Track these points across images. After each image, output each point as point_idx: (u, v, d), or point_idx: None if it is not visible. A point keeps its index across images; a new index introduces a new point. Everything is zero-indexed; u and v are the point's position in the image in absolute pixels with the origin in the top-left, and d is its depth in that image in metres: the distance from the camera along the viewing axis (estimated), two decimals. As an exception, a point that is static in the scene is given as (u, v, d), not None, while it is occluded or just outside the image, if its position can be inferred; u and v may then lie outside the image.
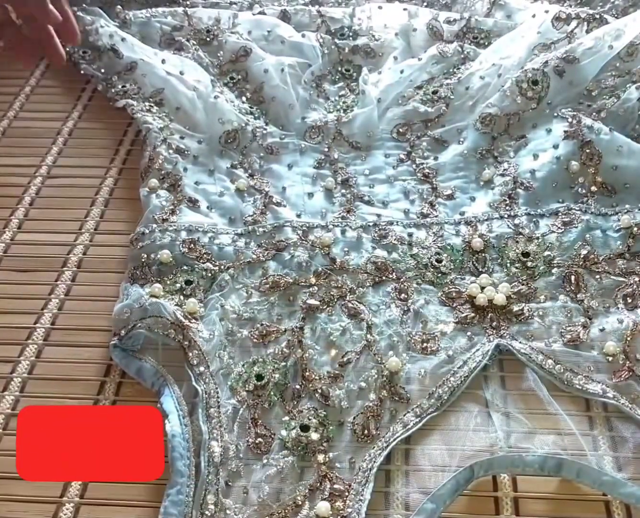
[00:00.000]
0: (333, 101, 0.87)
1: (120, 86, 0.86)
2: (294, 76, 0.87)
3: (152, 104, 0.84)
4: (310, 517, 0.51)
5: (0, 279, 0.70)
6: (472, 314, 0.63)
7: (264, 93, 0.86)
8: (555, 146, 0.76)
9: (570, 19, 0.87)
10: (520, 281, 0.66)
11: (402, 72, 0.87)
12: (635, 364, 0.59)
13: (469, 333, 0.62)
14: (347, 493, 0.52)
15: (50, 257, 0.71)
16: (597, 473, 0.52)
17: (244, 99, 0.86)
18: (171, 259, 0.67)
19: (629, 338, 0.61)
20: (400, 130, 0.82)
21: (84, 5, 0.96)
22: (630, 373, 0.58)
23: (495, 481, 0.54)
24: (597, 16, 0.87)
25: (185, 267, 0.67)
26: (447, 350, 0.61)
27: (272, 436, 0.56)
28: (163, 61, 0.87)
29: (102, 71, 0.89)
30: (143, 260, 0.67)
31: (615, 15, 0.90)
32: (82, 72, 0.90)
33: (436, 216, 0.72)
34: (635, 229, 0.68)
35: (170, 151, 0.78)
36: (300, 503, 0.52)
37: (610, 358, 0.60)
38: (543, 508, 0.52)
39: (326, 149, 0.81)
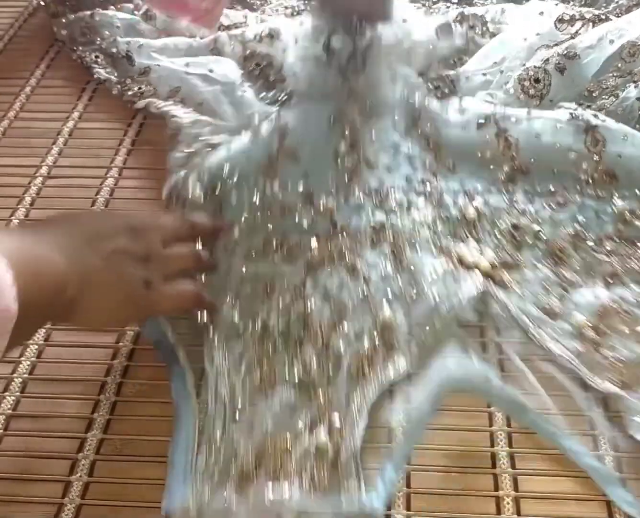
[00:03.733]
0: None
1: (136, 88, 0.87)
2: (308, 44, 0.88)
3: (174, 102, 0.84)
4: (310, 448, 0.55)
5: (1, 280, 0.70)
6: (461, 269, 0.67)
7: (287, 73, 0.87)
8: (559, 128, 0.75)
9: (574, 20, 0.86)
10: (507, 251, 0.68)
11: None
12: (603, 338, 0.61)
13: (456, 280, 0.65)
14: (343, 428, 0.56)
15: (51, 257, 0.71)
16: (549, 429, 0.56)
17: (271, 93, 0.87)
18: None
19: (600, 313, 0.62)
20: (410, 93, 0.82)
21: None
22: (595, 345, 0.60)
23: (496, 481, 0.54)
24: (603, 17, 0.86)
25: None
26: (435, 296, 0.64)
27: (276, 376, 0.59)
28: (187, 64, 0.87)
29: (115, 74, 0.90)
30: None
31: (619, 16, 0.89)
32: (95, 76, 0.91)
33: (436, 186, 0.74)
34: (627, 215, 0.69)
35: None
36: (300, 436, 0.55)
37: (580, 331, 0.61)
38: (544, 508, 0.52)
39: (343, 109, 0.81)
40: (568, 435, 0.56)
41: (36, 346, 0.64)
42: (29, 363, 0.63)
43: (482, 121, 0.78)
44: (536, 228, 0.69)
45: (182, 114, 0.81)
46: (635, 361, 0.59)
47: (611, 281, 0.65)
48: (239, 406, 0.58)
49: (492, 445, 0.56)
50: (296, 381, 0.59)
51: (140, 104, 0.85)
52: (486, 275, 0.66)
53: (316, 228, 0.71)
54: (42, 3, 1.03)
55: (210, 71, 0.86)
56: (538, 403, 0.57)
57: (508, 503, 0.52)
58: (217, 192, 0.72)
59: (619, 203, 0.70)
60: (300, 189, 0.74)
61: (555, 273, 0.66)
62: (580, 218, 0.70)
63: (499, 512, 0.52)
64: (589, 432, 0.56)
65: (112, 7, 0.98)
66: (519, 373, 0.59)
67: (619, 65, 0.82)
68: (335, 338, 0.62)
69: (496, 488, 0.53)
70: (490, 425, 0.57)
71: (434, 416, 0.57)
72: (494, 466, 0.55)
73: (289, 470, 0.54)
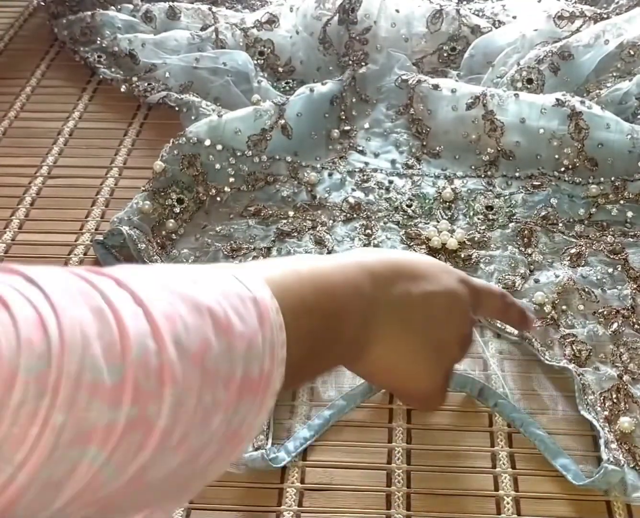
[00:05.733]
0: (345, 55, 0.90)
1: (146, 84, 0.88)
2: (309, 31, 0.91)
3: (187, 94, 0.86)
4: None
5: (1, 280, 0.70)
6: (425, 254, 0.68)
7: (293, 63, 0.90)
8: (544, 113, 0.76)
9: (574, 17, 0.87)
10: (478, 230, 0.70)
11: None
12: (560, 315, 0.62)
13: None
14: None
15: (51, 257, 0.71)
16: (496, 395, 0.57)
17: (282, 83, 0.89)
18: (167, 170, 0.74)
19: (559, 291, 0.64)
20: (404, 78, 0.85)
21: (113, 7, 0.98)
22: (552, 322, 0.62)
23: (496, 481, 0.54)
24: (605, 16, 0.87)
25: (182, 182, 0.74)
26: None
27: None
28: (197, 59, 0.88)
29: (121, 73, 0.90)
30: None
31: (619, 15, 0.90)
32: (101, 76, 0.91)
33: (419, 169, 0.77)
34: (599, 199, 0.71)
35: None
36: None
37: (538, 307, 0.63)
38: (544, 509, 0.52)
39: (342, 93, 0.84)
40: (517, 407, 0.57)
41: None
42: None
43: (471, 100, 0.79)
44: (509, 209, 0.72)
45: (204, 105, 0.83)
46: (590, 338, 0.61)
47: (576, 262, 0.66)
48: None
49: (492, 446, 0.56)
50: None
51: (154, 98, 0.86)
52: (453, 253, 0.68)
53: (296, 199, 0.74)
54: (42, 3, 1.03)
55: (224, 64, 0.87)
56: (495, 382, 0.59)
57: (508, 503, 0.52)
58: (198, 160, 0.75)
59: (593, 188, 0.72)
60: (288, 160, 0.77)
61: (522, 253, 0.68)
62: (553, 200, 0.72)
63: (498, 512, 0.52)
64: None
65: (112, 7, 0.98)
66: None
67: (619, 65, 0.82)
68: None
69: (496, 488, 0.53)
70: (490, 425, 0.57)
71: (365, 398, 0.58)
72: (494, 466, 0.55)
73: None
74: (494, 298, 0.49)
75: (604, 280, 0.65)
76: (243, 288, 0.33)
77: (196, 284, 0.31)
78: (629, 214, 0.70)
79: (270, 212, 0.72)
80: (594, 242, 0.68)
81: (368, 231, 0.70)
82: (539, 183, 0.73)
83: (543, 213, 0.71)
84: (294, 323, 0.34)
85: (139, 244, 0.68)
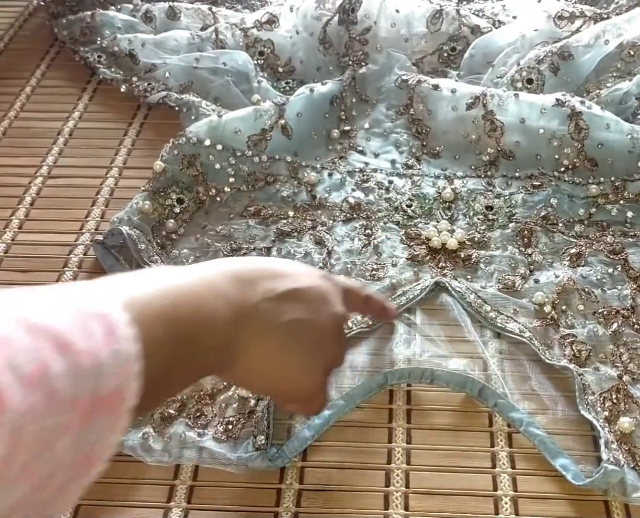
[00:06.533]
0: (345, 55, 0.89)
1: (146, 84, 0.88)
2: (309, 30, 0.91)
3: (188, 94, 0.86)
4: (233, 397, 0.58)
5: (1, 280, 0.70)
6: (425, 254, 0.68)
7: (293, 63, 0.90)
8: (544, 113, 0.76)
9: (574, 17, 0.87)
10: (478, 230, 0.70)
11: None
12: (560, 315, 0.62)
13: (416, 269, 0.67)
14: None
15: (51, 257, 0.71)
16: (495, 395, 0.57)
17: (283, 83, 0.89)
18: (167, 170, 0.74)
19: (559, 291, 0.64)
20: (404, 78, 0.85)
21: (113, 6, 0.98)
22: (552, 322, 0.62)
23: (495, 481, 0.54)
24: (605, 16, 0.87)
25: (182, 182, 0.74)
26: (392, 278, 0.66)
27: None
28: (197, 59, 0.88)
29: (121, 73, 0.91)
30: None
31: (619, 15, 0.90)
32: (100, 76, 0.92)
33: (419, 169, 0.77)
34: (599, 199, 0.71)
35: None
36: (227, 385, 0.59)
37: (538, 307, 0.63)
38: (542, 508, 0.52)
39: (343, 94, 0.84)
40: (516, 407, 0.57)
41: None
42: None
43: (471, 100, 0.79)
44: (509, 209, 0.71)
45: (204, 105, 0.83)
46: (590, 338, 0.61)
47: (576, 262, 0.66)
48: None
49: (492, 446, 0.56)
50: None
51: (154, 98, 0.86)
52: (453, 253, 0.68)
53: (296, 199, 0.74)
54: (42, 3, 1.03)
55: (224, 64, 0.87)
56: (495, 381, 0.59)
57: (506, 503, 0.52)
58: (198, 160, 0.75)
59: (593, 188, 0.72)
60: (288, 160, 0.77)
61: (522, 253, 0.68)
62: (553, 200, 0.72)
63: (497, 511, 0.52)
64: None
65: (112, 7, 0.99)
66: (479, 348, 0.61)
67: (619, 65, 0.82)
68: None
69: (495, 488, 0.53)
70: (490, 425, 0.57)
71: (365, 398, 0.58)
72: (493, 466, 0.55)
73: (208, 415, 0.57)
74: (355, 293, 0.50)
75: (604, 280, 0.65)
76: (91, 304, 0.32)
77: (38, 305, 0.30)
78: (629, 214, 0.70)
79: (270, 212, 0.72)
80: (594, 242, 0.68)
81: (368, 231, 0.70)
82: (539, 183, 0.73)
83: (543, 213, 0.70)
84: (148, 335, 0.33)
85: (139, 245, 0.68)
